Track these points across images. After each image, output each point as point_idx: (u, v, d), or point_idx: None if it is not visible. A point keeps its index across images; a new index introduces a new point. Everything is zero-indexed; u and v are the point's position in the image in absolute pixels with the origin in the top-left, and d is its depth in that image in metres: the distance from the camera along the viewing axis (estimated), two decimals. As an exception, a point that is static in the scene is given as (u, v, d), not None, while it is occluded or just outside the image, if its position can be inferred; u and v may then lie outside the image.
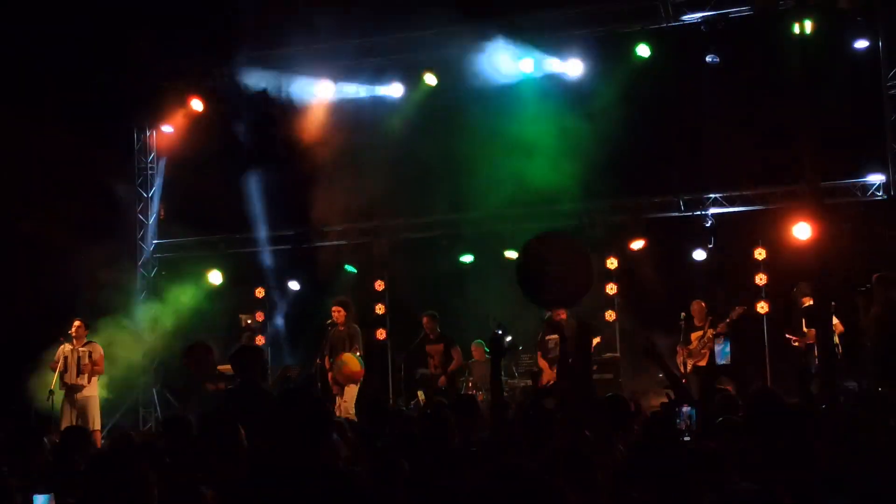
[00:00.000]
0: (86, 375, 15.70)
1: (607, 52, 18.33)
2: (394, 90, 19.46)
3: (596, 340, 16.36)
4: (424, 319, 17.01)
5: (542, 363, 16.01)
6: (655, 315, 17.47)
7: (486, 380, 16.84)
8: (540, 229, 18.51)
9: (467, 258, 19.33)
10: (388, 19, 18.15)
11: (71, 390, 15.66)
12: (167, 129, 20.86)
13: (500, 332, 7.67)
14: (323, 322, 16.64)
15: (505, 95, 18.34)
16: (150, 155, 21.11)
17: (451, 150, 18.13)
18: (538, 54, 18.40)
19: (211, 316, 20.05)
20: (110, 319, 18.40)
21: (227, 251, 20.94)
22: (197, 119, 20.48)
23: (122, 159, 21.41)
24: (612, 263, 18.61)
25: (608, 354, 17.49)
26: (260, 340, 20.03)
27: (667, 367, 8.27)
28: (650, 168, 18.27)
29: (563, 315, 15.93)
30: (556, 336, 15.85)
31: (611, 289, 18.57)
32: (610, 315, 18.34)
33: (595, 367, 16.30)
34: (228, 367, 11.41)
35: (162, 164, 21.30)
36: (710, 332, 16.18)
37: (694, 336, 16.37)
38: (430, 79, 18.94)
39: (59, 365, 15.65)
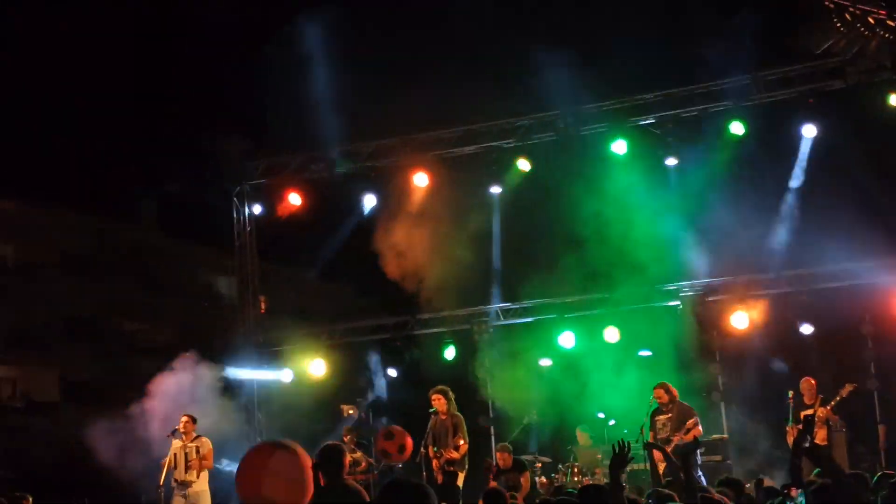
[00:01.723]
0: (195, 471, 15.81)
1: (700, 130, 18.32)
2: (487, 177, 19.56)
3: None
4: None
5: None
6: (762, 394, 17.21)
7: (592, 466, 16.74)
8: (636, 310, 18.64)
9: (568, 341, 19.19)
10: (480, 107, 18.39)
11: (182, 486, 15.78)
12: (262, 213, 21.14)
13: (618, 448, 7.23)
14: (426, 410, 16.62)
15: (599, 178, 18.40)
16: (250, 249, 21.37)
17: (547, 233, 18.23)
18: (631, 136, 18.46)
19: (314, 407, 20.21)
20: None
21: (328, 342, 21.05)
22: (295, 212, 20.78)
23: (223, 255, 21.77)
24: (714, 343, 18.35)
25: (716, 436, 17.16)
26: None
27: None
28: (749, 245, 18.09)
29: (664, 398, 15.66)
30: (664, 416, 15.55)
31: (715, 369, 18.29)
32: (716, 396, 18.03)
33: (702, 450, 16.14)
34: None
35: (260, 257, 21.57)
36: (821, 411, 15.78)
37: (804, 415, 15.97)
38: (524, 164, 19.07)
39: (170, 461, 15.80)
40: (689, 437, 14.90)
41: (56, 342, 36.98)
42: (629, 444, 7.18)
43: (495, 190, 19.64)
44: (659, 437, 15.39)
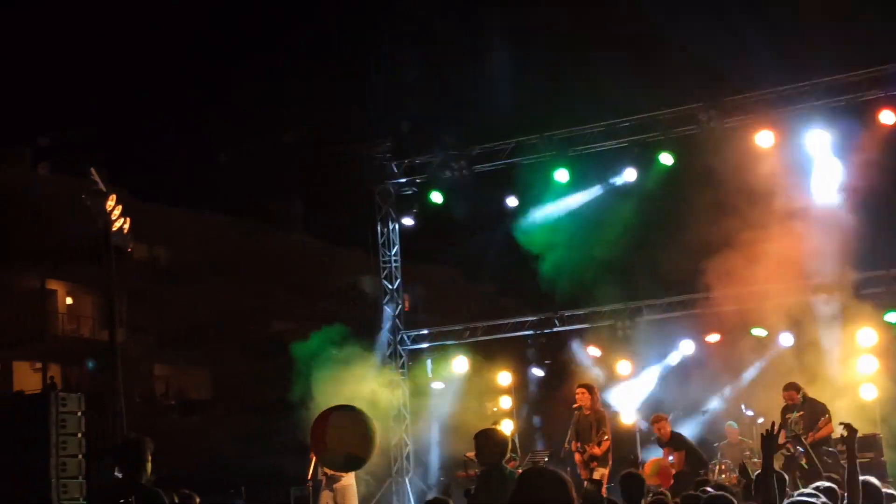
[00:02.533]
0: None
1: (848, 120, 17.86)
2: (629, 174, 19.38)
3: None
4: None
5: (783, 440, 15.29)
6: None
7: (737, 462, 16.43)
8: (784, 304, 18.26)
9: (713, 337, 18.94)
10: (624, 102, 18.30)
11: (331, 479, 15.98)
12: (404, 212, 21.38)
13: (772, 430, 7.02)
14: (569, 406, 16.56)
15: (743, 169, 18.08)
16: (392, 248, 21.63)
17: (691, 228, 18.01)
18: (776, 128, 18.10)
19: (457, 404, 20.36)
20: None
21: (471, 339, 21.16)
22: (437, 211, 20.94)
23: (367, 255, 22.06)
24: (868, 337, 17.81)
25: (867, 432, 16.66)
26: (506, 426, 20.10)
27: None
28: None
29: (796, 398, 15.22)
30: (795, 414, 15.12)
31: (868, 363, 17.76)
32: (867, 390, 17.53)
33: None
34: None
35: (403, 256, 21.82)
36: None
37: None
38: (667, 158, 18.85)
39: (317, 453, 16.01)
40: (822, 434, 14.73)
41: (207, 342, 38.02)
42: (778, 425, 6.93)
43: (637, 184, 19.45)
44: (789, 436, 15.03)
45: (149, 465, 7.43)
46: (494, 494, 8.45)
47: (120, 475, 7.80)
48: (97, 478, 15.54)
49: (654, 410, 17.56)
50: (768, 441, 6.71)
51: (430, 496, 9.16)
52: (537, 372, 20.79)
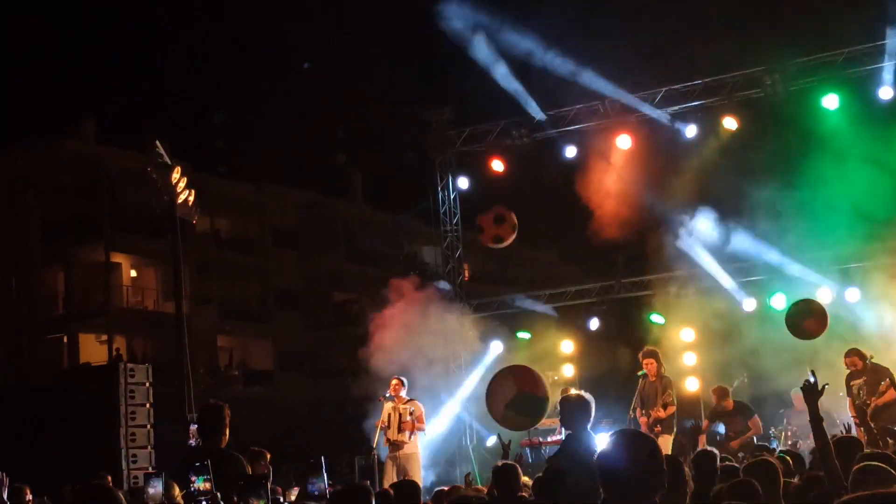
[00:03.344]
0: (407, 432, 16.04)
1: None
2: (690, 132, 19.17)
3: None
4: None
5: (850, 408, 15.09)
6: None
7: (804, 429, 16.25)
8: (856, 269, 17.97)
9: (779, 302, 18.71)
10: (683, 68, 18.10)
11: (394, 447, 16.07)
12: (464, 181, 21.34)
13: (812, 378, 7.09)
14: (630, 373, 16.49)
15: (812, 133, 17.84)
16: (454, 218, 21.62)
17: (758, 192, 17.83)
18: (843, 90, 17.79)
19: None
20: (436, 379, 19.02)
21: (532, 307, 21.13)
22: (497, 179, 20.88)
23: (427, 224, 22.08)
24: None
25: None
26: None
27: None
28: None
29: (858, 364, 14.96)
30: (858, 381, 14.87)
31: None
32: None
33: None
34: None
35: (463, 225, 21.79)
36: None
37: None
38: (730, 122, 18.61)
39: (383, 422, 16.10)
40: (885, 399, 14.38)
41: (269, 313, 38.34)
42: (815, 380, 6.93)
43: (700, 144, 19.21)
44: (856, 403, 14.77)
45: (227, 431, 7.54)
46: (578, 459, 8.40)
47: (194, 443, 7.91)
48: (164, 448, 15.77)
49: (719, 378, 17.42)
50: (810, 391, 6.68)
51: (499, 463, 9.07)
52: (600, 339, 20.70)
